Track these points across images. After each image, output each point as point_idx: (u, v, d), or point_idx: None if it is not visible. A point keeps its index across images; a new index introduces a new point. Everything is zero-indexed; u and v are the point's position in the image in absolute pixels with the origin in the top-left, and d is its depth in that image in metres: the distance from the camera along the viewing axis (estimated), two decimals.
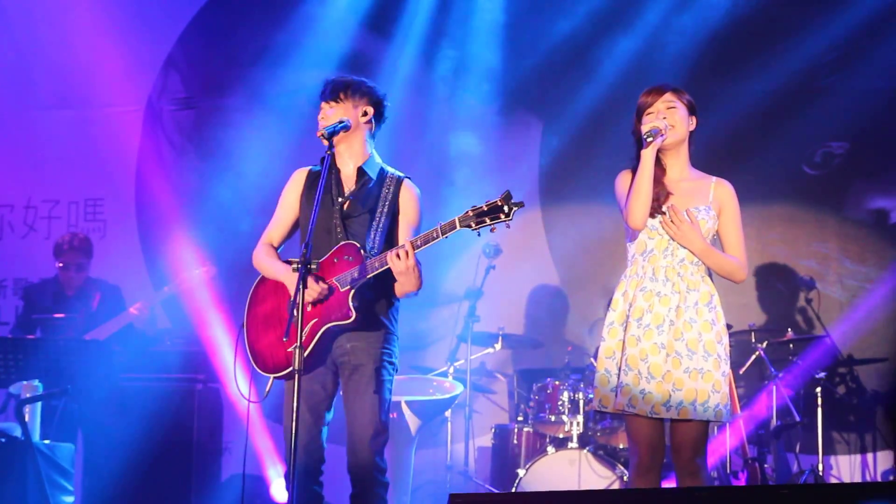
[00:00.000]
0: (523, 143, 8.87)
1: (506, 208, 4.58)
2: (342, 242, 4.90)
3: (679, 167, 5.02)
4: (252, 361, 4.95)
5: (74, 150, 9.29)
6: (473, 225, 4.60)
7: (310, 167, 5.18)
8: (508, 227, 4.64)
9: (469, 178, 8.66)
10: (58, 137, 9.31)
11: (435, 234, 4.66)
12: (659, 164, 4.96)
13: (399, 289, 4.93)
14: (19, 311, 8.19)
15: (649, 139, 4.82)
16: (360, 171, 5.05)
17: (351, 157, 5.05)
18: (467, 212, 4.62)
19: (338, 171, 5.07)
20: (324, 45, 8.83)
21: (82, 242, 7.85)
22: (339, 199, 5.01)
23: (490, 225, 4.60)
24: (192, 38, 9.37)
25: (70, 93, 9.35)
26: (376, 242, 4.95)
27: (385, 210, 5.00)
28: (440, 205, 8.40)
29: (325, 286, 4.77)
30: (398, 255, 4.66)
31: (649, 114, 4.97)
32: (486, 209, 4.60)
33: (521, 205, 4.61)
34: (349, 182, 5.05)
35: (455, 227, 4.63)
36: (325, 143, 4.83)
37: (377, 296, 4.93)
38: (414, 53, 8.86)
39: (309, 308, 4.76)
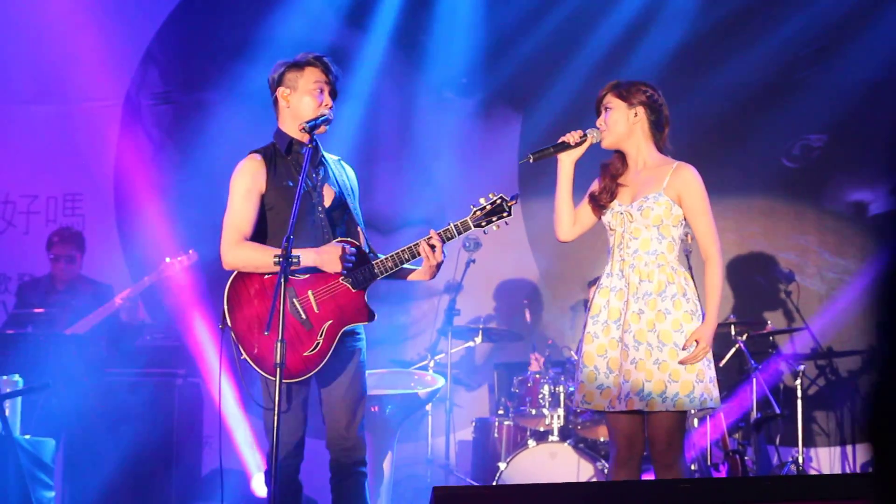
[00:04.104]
0: (502, 137, 8.87)
1: (505, 206, 4.79)
2: (336, 239, 4.78)
3: (638, 159, 5.00)
4: (257, 368, 4.68)
5: (53, 144, 9.25)
6: (484, 224, 4.79)
7: (260, 154, 4.91)
8: (507, 223, 4.84)
9: (448, 172, 8.65)
10: (36, 132, 9.26)
11: (449, 235, 4.79)
12: (623, 161, 5.00)
13: (416, 276, 4.97)
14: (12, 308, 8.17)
15: (534, 157, 4.90)
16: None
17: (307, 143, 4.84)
18: (475, 212, 4.79)
19: (297, 156, 4.87)
20: (302, 38, 8.77)
21: (74, 235, 7.95)
22: (316, 190, 4.86)
23: (495, 223, 4.80)
24: (171, 33, 9.33)
25: (48, 87, 9.31)
26: (365, 235, 4.93)
27: (352, 196, 4.96)
28: (418, 199, 8.39)
29: (349, 248, 4.72)
30: (433, 248, 4.77)
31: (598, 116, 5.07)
32: (490, 208, 4.79)
33: (516, 199, 4.83)
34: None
35: (469, 228, 4.79)
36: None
37: None
38: (392, 47, 8.84)
39: (316, 309, 4.70)
